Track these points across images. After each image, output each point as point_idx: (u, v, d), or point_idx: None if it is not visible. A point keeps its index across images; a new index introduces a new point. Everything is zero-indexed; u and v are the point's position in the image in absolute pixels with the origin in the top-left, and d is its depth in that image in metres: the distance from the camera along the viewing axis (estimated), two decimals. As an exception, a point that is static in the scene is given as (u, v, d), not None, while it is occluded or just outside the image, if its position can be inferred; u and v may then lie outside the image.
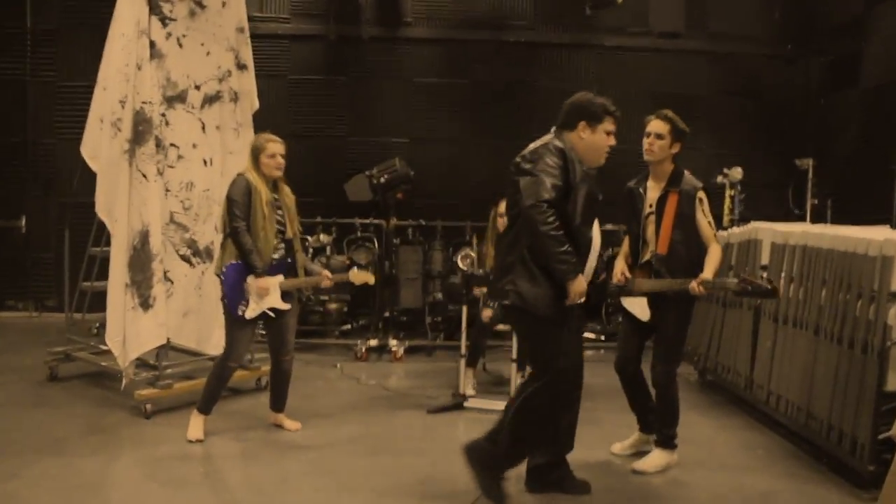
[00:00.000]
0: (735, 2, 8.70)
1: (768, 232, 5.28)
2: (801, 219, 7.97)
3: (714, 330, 5.95)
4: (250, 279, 4.60)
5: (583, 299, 3.66)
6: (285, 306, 4.72)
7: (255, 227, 4.57)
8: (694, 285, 4.08)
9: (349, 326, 7.74)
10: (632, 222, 4.53)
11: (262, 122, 8.36)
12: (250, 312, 4.63)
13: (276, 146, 4.74)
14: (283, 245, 4.73)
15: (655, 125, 4.41)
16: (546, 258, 3.52)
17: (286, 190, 4.88)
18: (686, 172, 4.48)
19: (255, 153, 4.73)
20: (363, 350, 6.99)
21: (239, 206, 4.54)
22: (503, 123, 8.47)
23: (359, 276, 4.99)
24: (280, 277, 4.70)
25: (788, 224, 5.78)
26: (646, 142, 4.40)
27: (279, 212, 4.73)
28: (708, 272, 4.15)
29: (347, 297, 7.58)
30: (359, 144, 8.51)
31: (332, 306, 7.60)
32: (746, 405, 5.52)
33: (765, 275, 5.18)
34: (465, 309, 5.67)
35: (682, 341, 4.48)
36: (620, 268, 4.50)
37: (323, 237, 7.55)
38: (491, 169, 8.42)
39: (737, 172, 7.40)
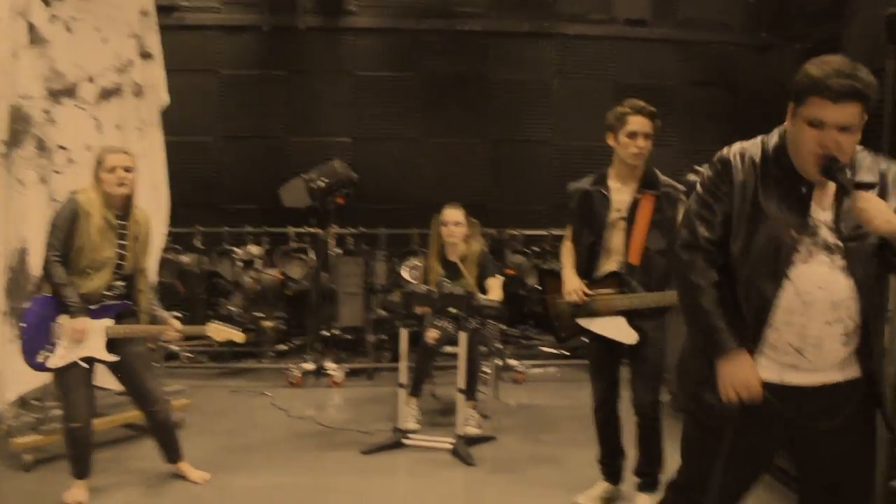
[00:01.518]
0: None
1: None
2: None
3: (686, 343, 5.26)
4: (62, 319, 3.78)
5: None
6: (108, 358, 3.88)
7: (80, 259, 3.78)
8: None
9: (286, 347, 6.97)
10: (588, 229, 3.84)
11: (189, 121, 7.63)
12: (56, 360, 3.77)
13: (116, 158, 3.88)
14: (120, 282, 3.91)
15: (643, 123, 3.74)
16: None
17: (139, 215, 4.00)
18: (657, 172, 3.84)
19: (95, 168, 3.91)
20: (297, 375, 6.22)
21: (57, 233, 3.75)
22: (456, 120, 7.75)
23: (219, 332, 4.13)
24: (107, 322, 3.87)
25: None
26: (634, 144, 3.71)
27: (121, 241, 3.90)
28: None
29: (284, 313, 6.83)
30: (297, 145, 7.70)
31: (268, 324, 6.83)
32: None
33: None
34: (403, 332, 4.95)
35: (664, 364, 3.85)
36: (577, 284, 3.81)
37: (252, 249, 6.78)
38: (442, 170, 7.72)
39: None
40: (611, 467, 4.01)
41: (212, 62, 7.68)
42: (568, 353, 6.87)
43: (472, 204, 5.54)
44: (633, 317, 3.71)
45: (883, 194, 2.25)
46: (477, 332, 5.13)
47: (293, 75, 7.77)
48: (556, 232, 7.28)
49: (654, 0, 7.93)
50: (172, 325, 4.04)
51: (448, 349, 5.26)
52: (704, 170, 2.56)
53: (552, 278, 4.11)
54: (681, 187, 3.80)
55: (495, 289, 5.26)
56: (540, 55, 7.88)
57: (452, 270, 5.32)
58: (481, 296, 4.99)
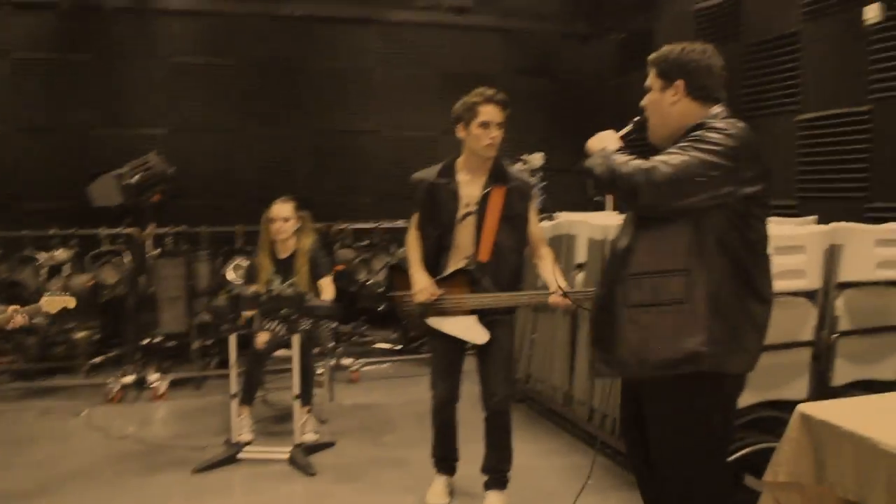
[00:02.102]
0: (527, -25, 8.16)
1: (583, 226, 4.67)
2: (601, 207, 7.60)
3: (525, 337, 5.33)
4: None
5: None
6: None
7: None
8: (556, 298, 3.41)
9: (101, 360, 6.41)
10: (434, 224, 3.71)
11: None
12: None
13: None
14: None
15: (495, 113, 3.59)
16: None
17: None
18: (506, 164, 3.75)
19: None
20: (116, 389, 5.73)
21: None
22: (277, 110, 7.42)
23: (53, 303, 3.88)
24: None
25: (605, 215, 5.24)
26: (487, 135, 3.56)
27: None
28: (560, 280, 3.48)
29: (97, 323, 6.27)
30: (105, 138, 7.08)
31: (79, 335, 6.25)
32: (567, 423, 4.94)
33: (582, 274, 4.60)
34: (231, 338, 4.64)
35: (514, 359, 3.81)
36: (427, 282, 3.68)
37: (60, 253, 6.16)
38: (264, 163, 7.38)
39: (537, 158, 6.85)
40: (447, 461, 3.96)
41: (3, 44, 6.90)
42: (399, 349, 6.81)
43: (296, 198, 5.28)
44: (483, 314, 3.64)
45: None
46: (309, 333, 4.90)
47: (98, 60, 7.13)
48: (386, 225, 7.16)
49: (481, -14, 7.97)
50: (13, 311, 3.65)
51: (280, 353, 5.00)
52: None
53: (400, 275, 3.95)
54: (532, 181, 3.74)
55: (327, 287, 5.06)
56: (363, 42, 7.70)
57: (284, 268, 5.06)
58: (313, 296, 4.78)
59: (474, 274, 3.60)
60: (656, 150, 2.42)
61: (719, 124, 2.30)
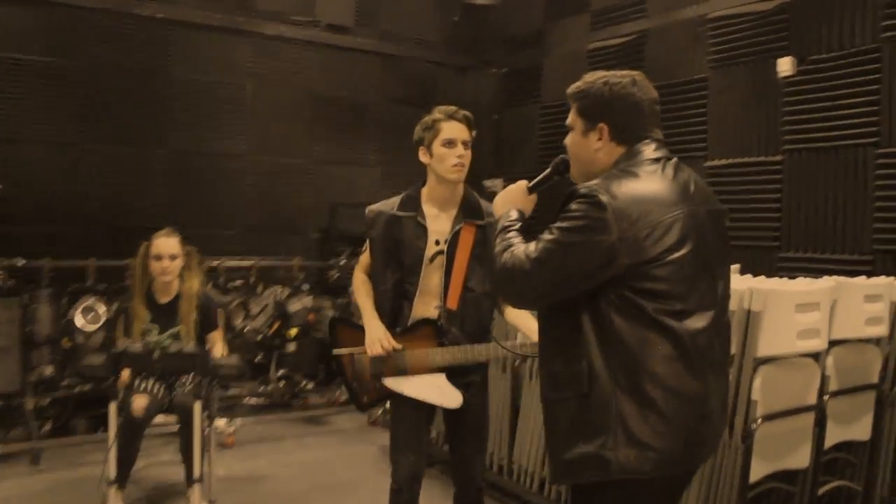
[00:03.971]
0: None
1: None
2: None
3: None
4: None
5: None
6: None
7: None
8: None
9: None
10: (394, 267, 3.11)
11: None
12: None
13: None
14: None
15: (460, 130, 3.05)
16: None
17: None
18: (478, 196, 3.21)
19: None
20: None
21: None
22: (129, 124, 6.35)
23: None
24: None
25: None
26: (453, 154, 3.03)
27: None
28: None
29: None
30: None
31: None
32: (507, 494, 4.39)
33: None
34: (112, 406, 3.70)
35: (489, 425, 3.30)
36: (382, 332, 3.06)
37: None
38: (111, 185, 6.29)
39: (498, 185, 6.34)
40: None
41: None
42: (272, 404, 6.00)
43: (150, 227, 4.44)
44: (454, 373, 3.06)
45: None
46: (200, 396, 4.04)
47: None
48: (264, 262, 6.33)
49: (359, 7, 7.38)
50: None
51: (160, 419, 4.09)
52: None
53: (345, 329, 3.29)
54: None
55: (219, 340, 4.26)
56: (233, 55, 6.83)
57: (164, 316, 4.19)
58: (217, 353, 3.98)
59: (442, 324, 3.04)
60: None
61: (595, 186, 1.97)
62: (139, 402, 3.91)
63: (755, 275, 4.63)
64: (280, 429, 5.79)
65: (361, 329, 3.14)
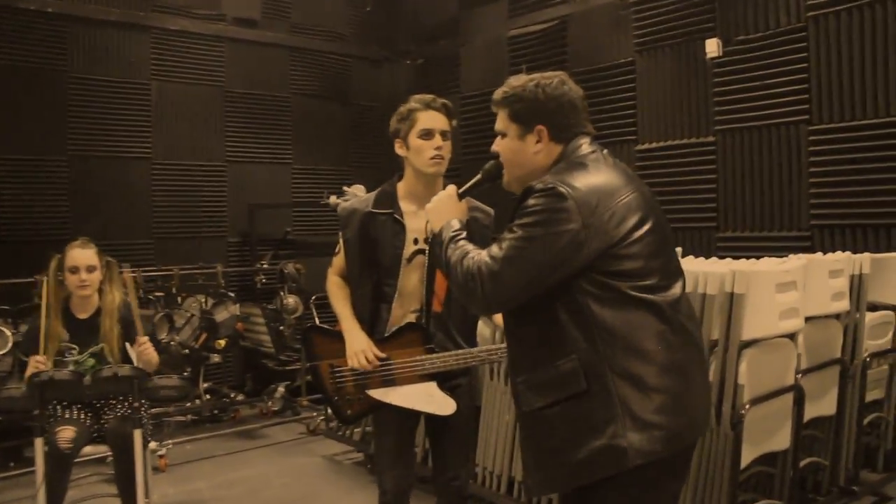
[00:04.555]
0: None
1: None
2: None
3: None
4: None
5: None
6: None
7: None
8: None
9: None
10: (371, 268, 2.89)
11: None
12: None
13: None
14: None
15: (438, 119, 2.85)
16: None
17: None
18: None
19: None
20: None
21: None
22: (25, 128, 5.82)
23: None
24: None
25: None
26: (431, 145, 2.82)
27: None
28: None
29: None
30: None
31: None
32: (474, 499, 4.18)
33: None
34: (38, 442, 3.30)
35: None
36: (364, 342, 2.85)
37: None
38: (11, 195, 5.76)
39: (359, 190, 6.04)
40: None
41: None
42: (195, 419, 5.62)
43: (52, 240, 4.05)
44: (444, 379, 2.86)
45: None
46: (133, 421, 3.67)
47: None
48: (185, 271, 5.91)
49: (266, -1, 7.03)
50: None
51: (87, 450, 3.69)
52: None
53: (322, 338, 3.03)
54: (489, 210, 3.02)
55: (148, 352, 3.88)
56: (133, 49, 6.36)
57: (84, 333, 3.80)
58: (150, 357, 3.63)
59: (428, 329, 2.84)
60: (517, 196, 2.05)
61: (551, 179, 1.93)
62: (65, 434, 3.48)
63: (696, 256, 4.62)
64: (213, 446, 5.40)
65: (340, 337, 2.91)
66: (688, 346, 1.95)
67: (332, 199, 6.15)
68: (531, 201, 1.91)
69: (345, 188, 6.04)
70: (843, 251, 4.26)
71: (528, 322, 1.98)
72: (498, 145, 2.13)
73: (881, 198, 4.58)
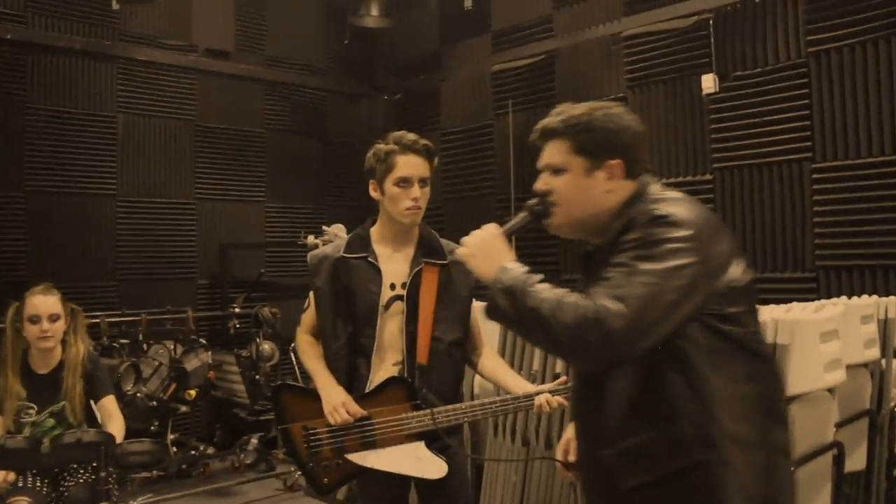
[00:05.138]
0: (294, 21, 7.09)
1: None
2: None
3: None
4: None
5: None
6: None
7: None
8: (545, 398, 2.53)
9: None
10: (345, 318, 2.67)
11: None
12: None
13: None
14: None
15: (417, 165, 2.66)
16: None
17: None
18: (436, 234, 2.83)
19: None
20: None
21: None
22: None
23: None
24: None
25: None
26: (407, 195, 2.64)
27: None
28: (524, 382, 2.71)
29: None
30: None
31: None
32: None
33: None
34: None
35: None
36: (342, 397, 2.61)
37: None
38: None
39: (339, 230, 5.74)
40: None
41: None
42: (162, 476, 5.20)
43: (8, 282, 3.69)
44: (433, 438, 2.59)
45: None
46: (94, 488, 3.28)
47: None
48: (153, 316, 5.52)
49: (239, 30, 6.76)
50: None
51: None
52: None
53: (294, 397, 2.78)
54: None
55: (115, 414, 3.52)
56: (99, 80, 6.02)
57: (44, 390, 3.43)
58: (115, 427, 3.28)
59: (413, 383, 2.59)
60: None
61: (662, 208, 1.67)
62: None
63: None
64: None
65: (314, 395, 2.65)
66: None
67: (310, 238, 5.85)
68: (648, 231, 1.62)
69: (324, 227, 5.74)
70: (851, 294, 4.10)
71: (620, 377, 1.68)
72: (551, 182, 1.83)
73: (887, 237, 4.42)
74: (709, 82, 5.14)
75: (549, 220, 1.87)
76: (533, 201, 1.87)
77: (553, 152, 1.82)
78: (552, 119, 1.83)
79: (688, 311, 1.59)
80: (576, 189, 1.79)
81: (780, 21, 4.84)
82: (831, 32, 4.60)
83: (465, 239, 1.83)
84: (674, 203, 1.68)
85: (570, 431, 2.05)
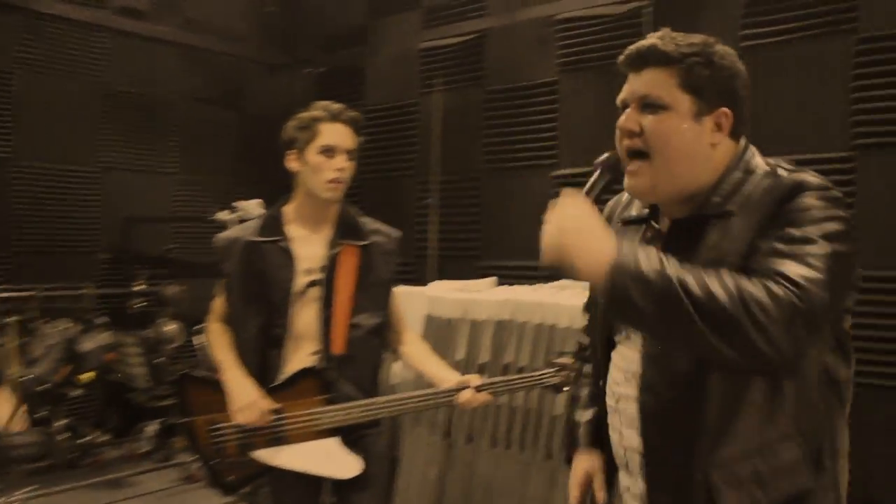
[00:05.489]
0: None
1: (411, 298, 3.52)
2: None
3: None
4: None
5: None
6: None
7: None
8: (470, 394, 2.36)
9: None
10: (258, 305, 2.50)
11: None
12: None
13: None
14: None
15: (343, 134, 2.52)
16: None
17: None
18: (356, 212, 2.67)
19: None
20: None
21: None
22: None
23: None
24: None
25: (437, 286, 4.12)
26: (331, 165, 2.49)
27: None
28: (450, 372, 2.52)
29: None
30: None
31: None
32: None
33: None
34: None
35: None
36: (253, 394, 2.42)
37: None
38: None
39: (253, 206, 5.41)
40: None
41: None
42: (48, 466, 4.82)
43: None
44: (348, 433, 2.43)
45: None
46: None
47: None
48: (46, 292, 5.10)
49: (156, -12, 6.34)
50: None
51: None
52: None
53: (199, 389, 2.58)
54: (395, 233, 2.65)
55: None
56: (-4, 38, 5.54)
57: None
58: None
59: (327, 374, 2.43)
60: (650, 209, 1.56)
61: (810, 178, 1.38)
62: None
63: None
64: (72, 500, 4.62)
65: (220, 388, 2.46)
66: None
67: (222, 214, 5.51)
68: (811, 201, 1.34)
69: (237, 203, 5.42)
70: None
71: (749, 384, 1.39)
72: (643, 121, 1.47)
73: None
74: (641, 69, 5.04)
75: (631, 173, 1.51)
76: (607, 155, 1.55)
77: (653, 82, 1.47)
78: (660, 40, 1.49)
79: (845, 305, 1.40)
80: (678, 134, 1.45)
81: (717, 12, 4.77)
82: (768, 28, 4.55)
83: (553, 219, 1.39)
84: (817, 176, 1.41)
85: (586, 461, 1.76)
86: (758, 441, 1.39)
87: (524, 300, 3.37)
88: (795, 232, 1.31)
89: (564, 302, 3.25)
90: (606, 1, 5.20)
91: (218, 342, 2.55)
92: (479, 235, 5.77)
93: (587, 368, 1.85)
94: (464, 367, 3.28)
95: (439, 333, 3.45)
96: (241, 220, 5.49)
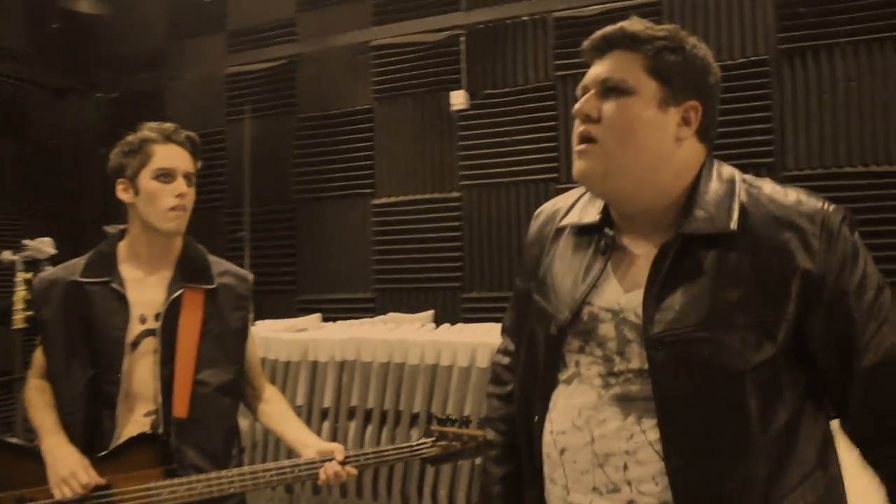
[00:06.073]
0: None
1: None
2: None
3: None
4: None
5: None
6: None
7: None
8: (334, 468, 2.08)
9: None
10: (82, 359, 2.10)
11: None
12: None
13: None
14: None
15: (182, 158, 2.21)
16: None
17: None
18: (204, 250, 2.31)
19: None
20: None
21: None
22: None
23: None
24: None
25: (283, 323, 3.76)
26: (170, 191, 2.17)
27: None
28: (312, 438, 2.24)
29: None
30: None
31: None
32: None
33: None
34: None
35: None
36: (76, 463, 2.00)
37: None
38: None
39: (46, 244, 4.82)
40: None
41: None
42: None
43: None
44: None
45: None
46: None
47: None
48: None
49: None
50: None
51: None
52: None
53: (8, 458, 2.11)
54: (248, 275, 2.32)
55: None
56: None
57: None
58: None
59: (167, 442, 2.08)
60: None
61: (828, 206, 1.30)
62: None
63: (442, 321, 4.31)
64: None
65: (37, 457, 2.05)
66: None
67: (6, 254, 4.87)
68: (846, 232, 1.26)
69: (25, 242, 4.82)
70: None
71: (769, 413, 1.28)
72: (601, 107, 1.34)
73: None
74: (458, 98, 5.04)
75: (580, 153, 1.36)
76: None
77: (618, 65, 1.34)
78: (631, 23, 1.36)
79: None
80: (640, 121, 1.31)
81: (531, 43, 4.88)
82: (577, 59, 4.70)
83: None
84: (821, 198, 1.33)
85: None
86: (804, 472, 1.31)
87: (369, 338, 3.15)
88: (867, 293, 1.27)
89: (412, 338, 3.08)
90: (422, 29, 5.16)
91: (36, 402, 2.14)
92: (295, 269, 5.50)
93: (494, 437, 1.63)
94: (305, 413, 3.01)
95: (275, 378, 3.16)
96: (29, 262, 4.93)
